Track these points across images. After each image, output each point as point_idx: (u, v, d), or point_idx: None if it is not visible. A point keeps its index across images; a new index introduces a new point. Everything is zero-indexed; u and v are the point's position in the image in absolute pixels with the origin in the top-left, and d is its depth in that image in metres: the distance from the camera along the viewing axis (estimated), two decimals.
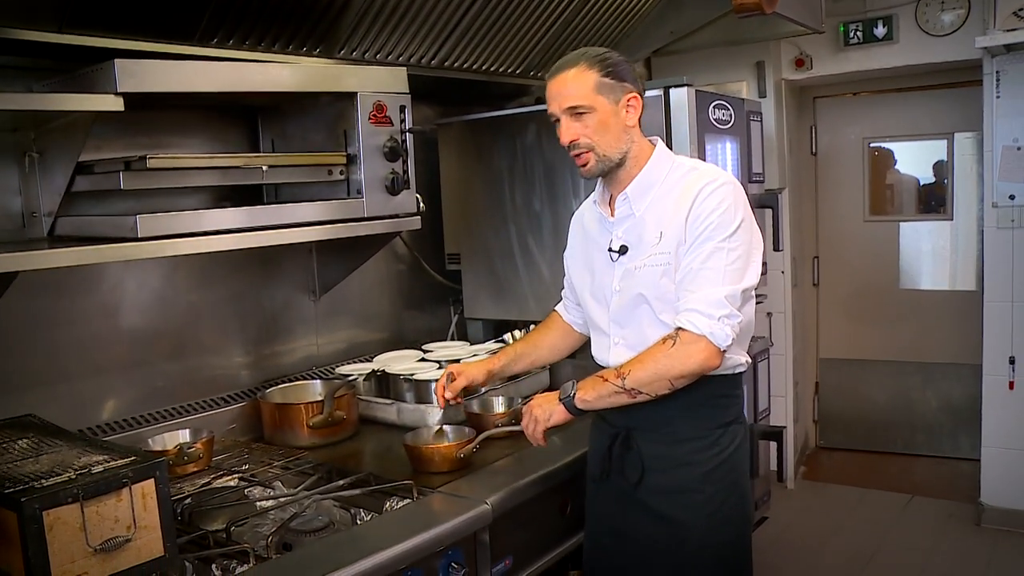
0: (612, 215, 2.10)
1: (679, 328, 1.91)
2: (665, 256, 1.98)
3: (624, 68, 2.00)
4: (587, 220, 2.22)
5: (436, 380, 2.40)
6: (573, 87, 1.96)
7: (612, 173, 2.05)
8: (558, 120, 2.01)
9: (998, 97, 4.27)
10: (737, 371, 2.08)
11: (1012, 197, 4.28)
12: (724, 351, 1.92)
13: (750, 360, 2.12)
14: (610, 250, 2.09)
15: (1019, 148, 4.23)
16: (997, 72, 4.26)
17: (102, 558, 1.50)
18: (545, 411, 2.03)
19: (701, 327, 1.88)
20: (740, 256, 1.94)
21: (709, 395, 2.03)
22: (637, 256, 2.03)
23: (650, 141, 2.09)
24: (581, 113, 1.97)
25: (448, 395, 2.30)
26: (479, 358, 2.92)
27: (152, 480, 1.57)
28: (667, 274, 1.97)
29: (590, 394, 1.97)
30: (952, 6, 4.46)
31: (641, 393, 1.92)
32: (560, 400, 2.01)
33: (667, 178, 2.04)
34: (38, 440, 1.76)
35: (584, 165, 2.03)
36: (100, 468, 1.54)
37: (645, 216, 2.03)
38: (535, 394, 2.62)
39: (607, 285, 2.10)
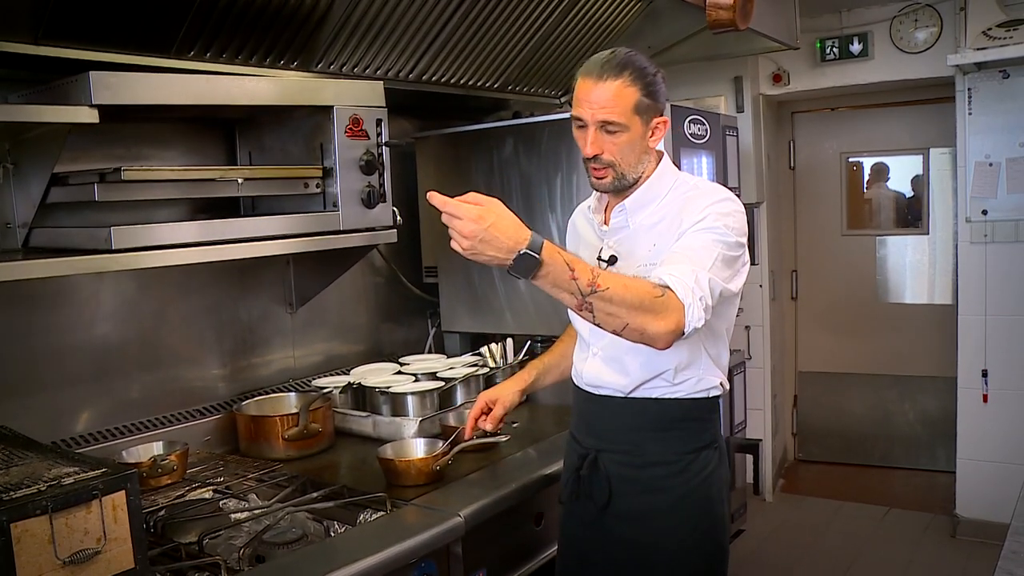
0: (607, 223, 2.05)
1: (667, 287, 1.75)
2: (656, 267, 1.88)
3: (661, 86, 1.91)
4: (581, 224, 2.18)
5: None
6: (613, 101, 1.85)
7: (621, 191, 1.99)
8: (583, 125, 1.90)
9: (970, 114, 4.34)
10: (712, 394, 2.01)
11: (985, 212, 4.34)
12: (683, 334, 1.76)
13: (726, 384, 2.05)
14: (599, 259, 2.02)
15: (991, 164, 4.29)
16: (969, 89, 4.34)
17: (71, 571, 1.49)
18: (491, 246, 1.62)
19: (684, 297, 1.74)
20: (729, 258, 1.86)
21: (681, 418, 1.98)
22: (626, 268, 1.97)
23: (656, 154, 2.03)
24: (613, 131, 1.88)
25: (489, 427, 2.22)
26: (464, 370, 2.93)
27: (123, 492, 1.56)
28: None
29: (548, 280, 1.67)
30: (925, 24, 4.53)
31: (591, 312, 1.71)
32: (509, 267, 1.64)
33: (669, 195, 1.98)
34: (8, 452, 1.75)
35: (600, 179, 1.94)
36: (70, 480, 1.53)
37: (639, 229, 1.98)
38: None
39: None
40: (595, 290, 1.68)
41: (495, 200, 1.65)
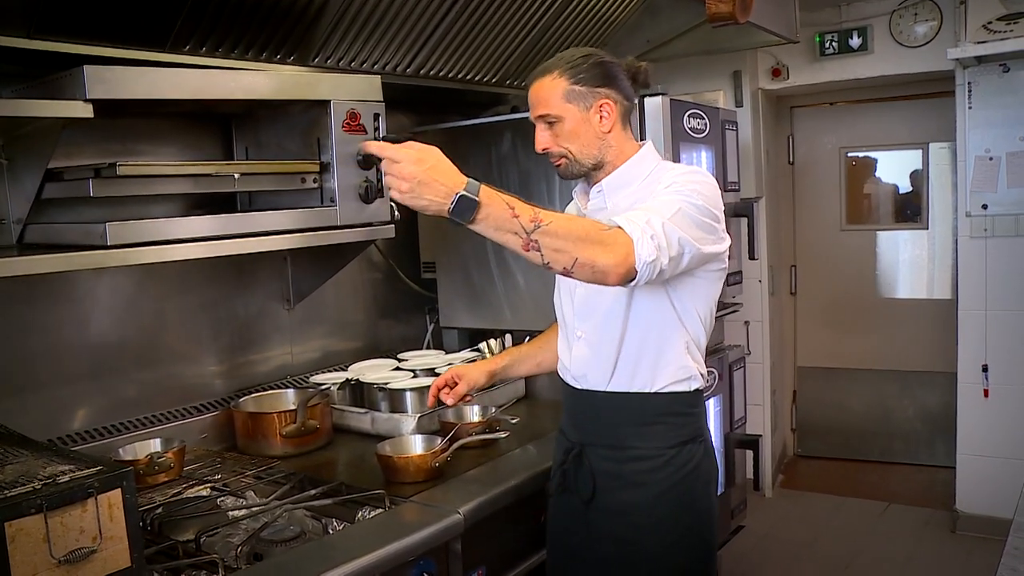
0: (586, 207, 2.08)
1: (617, 226, 1.75)
2: None
3: (600, 72, 1.97)
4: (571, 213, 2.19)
5: (432, 381, 2.36)
6: (543, 95, 1.97)
7: (590, 175, 2.04)
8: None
9: (970, 108, 4.32)
10: (692, 387, 2.01)
11: (985, 207, 4.33)
12: (635, 275, 1.73)
13: (705, 374, 2.05)
14: None
15: (991, 158, 4.28)
16: (969, 83, 4.32)
17: (66, 570, 1.47)
18: (430, 188, 1.61)
19: (632, 231, 1.73)
20: (702, 222, 1.85)
21: (662, 412, 1.98)
22: None
23: (639, 143, 2.07)
24: (551, 122, 1.98)
25: (449, 401, 2.28)
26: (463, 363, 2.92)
27: (119, 490, 1.55)
28: None
29: (490, 223, 1.65)
30: (925, 18, 4.51)
31: (539, 250, 1.67)
32: (448, 212, 1.63)
33: (648, 177, 2.00)
34: (3, 450, 1.74)
35: (558, 167, 2.03)
36: (65, 478, 1.52)
37: (617, 210, 1.96)
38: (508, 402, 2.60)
39: None
40: (538, 225, 1.66)
41: (433, 147, 1.66)
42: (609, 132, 1.99)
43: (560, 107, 1.96)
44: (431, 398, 2.33)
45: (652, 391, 1.98)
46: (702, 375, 2.04)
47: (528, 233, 1.65)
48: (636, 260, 1.72)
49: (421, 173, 1.61)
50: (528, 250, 1.67)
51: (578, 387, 2.08)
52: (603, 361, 2.01)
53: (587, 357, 2.04)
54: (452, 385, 2.30)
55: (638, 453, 1.99)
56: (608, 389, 2.01)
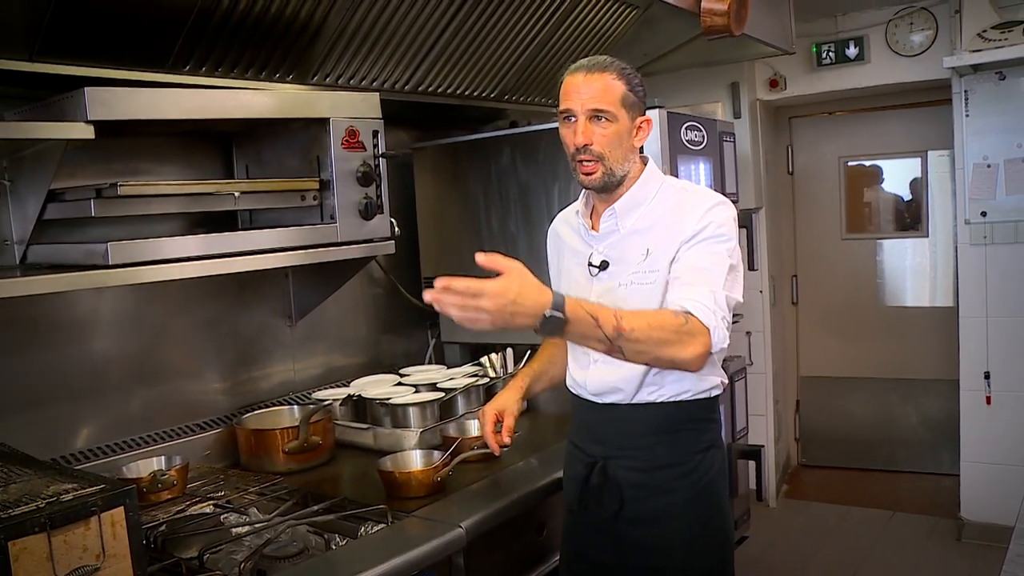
0: (596, 229, 2.06)
1: (688, 312, 1.80)
2: (655, 274, 1.93)
3: (642, 89, 1.99)
4: (564, 231, 2.19)
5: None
6: (603, 91, 1.91)
7: (609, 189, 2.01)
8: (569, 117, 1.95)
9: (967, 116, 4.34)
10: (713, 393, 2.04)
11: (984, 214, 4.34)
12: (712, 355, 1.85)
13: (725, 381, 2.09)
14: (590, 264, 2.04)
15: (989, 166, 4.29)
16: (965, 91, 4.34)
17: None
18: (520, 314, 1.61)
19: (707, 320, 1.80)
20: (735, 268, 1.93)
21: (687, 419, 2.00)
22: (620, 273, 1.99)
23: (641, 159, 2.06)
24: (604, 119, 1.92)
25: (507, 440, 2.19)
26: (464, 380, 2.93)
27: (122, 508, 1.55)
28: (655, 292, 1.93)
29: (575, 335, 1.72)
30: (921, 27, 4.54)
31: (622, 352, 1.75)
32: (537, 329, 1.65)
33: (656, 196, 2.01)
34: (7, 469, 1.75)
35: (589, 175, 1.96)
36: (69, 496, 1.53)
37: (630, 233, 2.00)
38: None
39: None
40: (621, 333, 1.72)
41: (515, 263, 1.67)
42: (636, 149, 2.01)
43: (617, 108, 1.92)
44: (496, 447, 2.19)
45: (678, 400, 1.99)
46: (721, 381, 2.06)
47: (611, 340, 1.72)
48: (713, 347, 1.82)
49: (509, 304, 1.60)
50: (611, 353, 1.76)
51: (599, 402, 2.06)
52: (629, 380, 1.99)
53: (608, 378, 2.02)
54: (498, 422, 2.21)
55: (666, 461, 1.99)
56: (633, 402, 2.00)
